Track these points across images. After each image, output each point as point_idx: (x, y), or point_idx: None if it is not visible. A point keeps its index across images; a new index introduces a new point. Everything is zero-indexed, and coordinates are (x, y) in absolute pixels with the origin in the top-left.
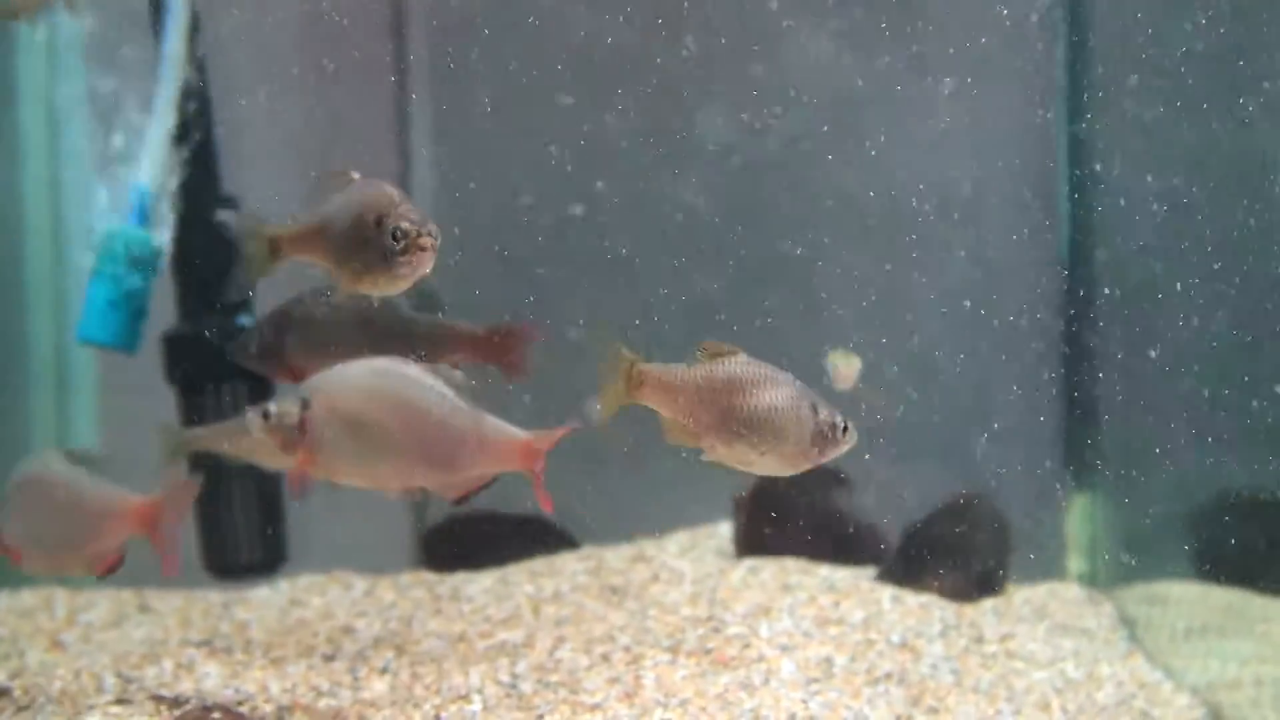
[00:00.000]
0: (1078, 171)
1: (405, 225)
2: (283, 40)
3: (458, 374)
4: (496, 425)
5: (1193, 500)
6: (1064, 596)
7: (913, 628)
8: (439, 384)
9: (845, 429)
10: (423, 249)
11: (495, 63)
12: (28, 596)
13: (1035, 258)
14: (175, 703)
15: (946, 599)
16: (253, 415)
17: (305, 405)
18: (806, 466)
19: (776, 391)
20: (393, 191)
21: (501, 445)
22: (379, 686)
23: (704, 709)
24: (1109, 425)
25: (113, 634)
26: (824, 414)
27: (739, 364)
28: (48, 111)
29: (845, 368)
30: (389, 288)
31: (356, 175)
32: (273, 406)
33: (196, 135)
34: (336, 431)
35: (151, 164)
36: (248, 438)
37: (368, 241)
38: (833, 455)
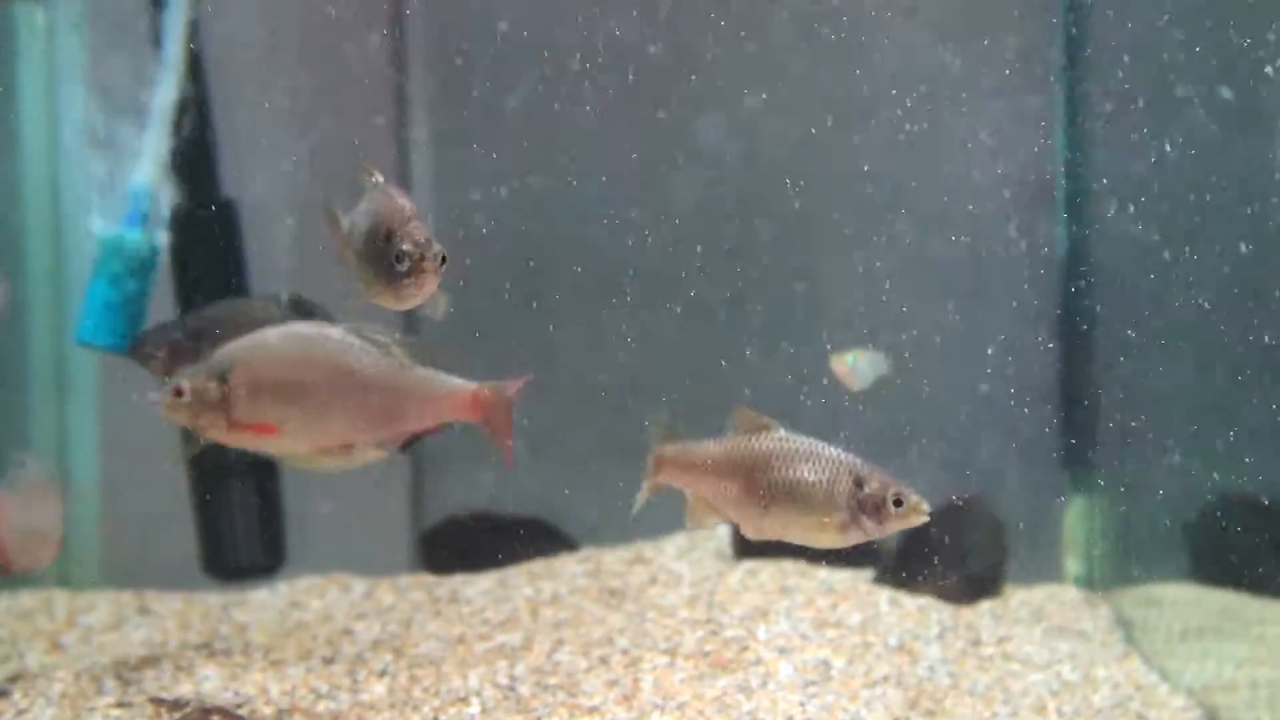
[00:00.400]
0: (1077, 173)
1: (408, 247)
2: (282, 41)
3: (381, 330)
4: (435, 377)
5: (1190, 503)
6: (1061, 599)
7: (910, 630)
8: (363, 343)
9: (899, 502)
10: (424, 272)
11: (496, 61)
12: (27, 599)
13: (1033, 259)
14: (175, 705)
15: (944, 601)
16: (160, 394)
17: (223, 377)
18: (861, 538)
19: (805, 466)
20: (405, 206)
21: (443, 397)
22: (378, 689)
23: (702, 711)
24: (1106, 428)
25: (112, 636)
26: (873, 487)
27: (767, 440)
28: (48, 112)
29: (857, 367)
30: (396, 304)
31: (380, 178)
32: (185, 382)
33: (195, 136)
34: (263, 400)
35: (150, 166)
36: None
37: (378, 256)
38: (893, 528)
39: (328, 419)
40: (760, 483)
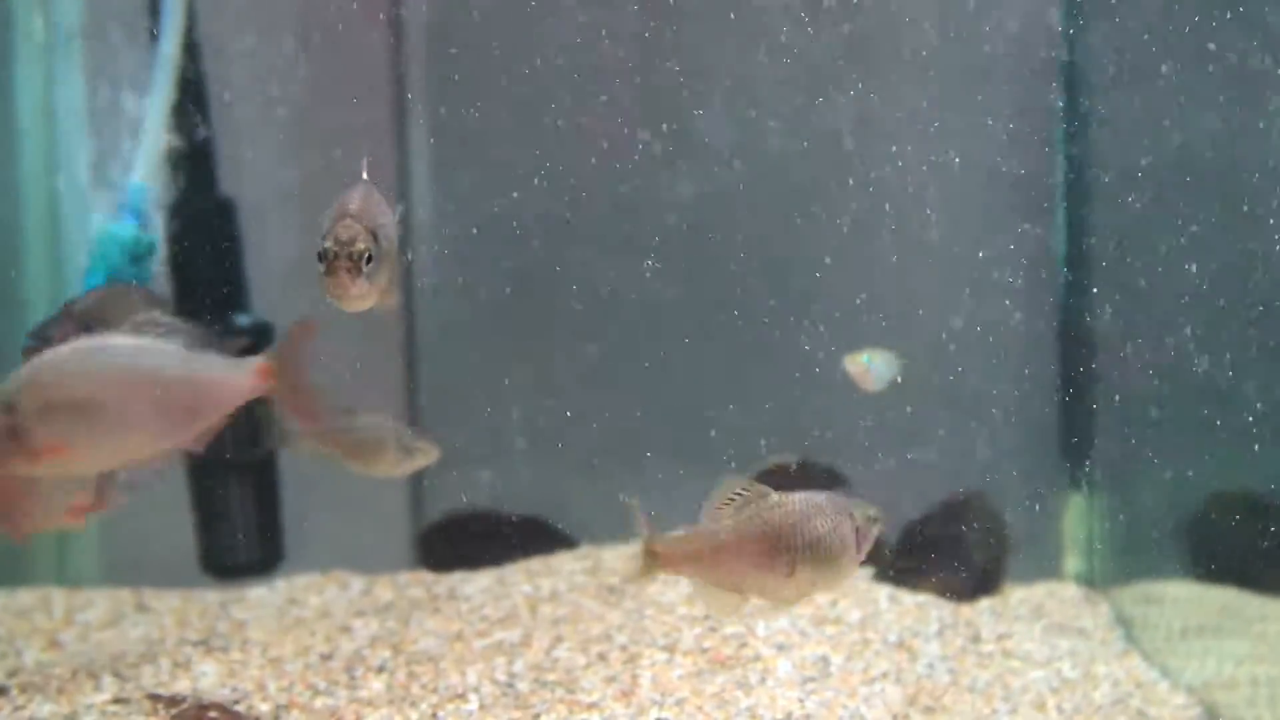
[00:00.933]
0: (1075, 172)
1: (328, 244)
2: (281, 40)
3: (163, 320)
4: (219, 361)
5: (1189, 500)
6: (1061, 596)
7: (909, 627)
8: (152, 343)
9: (874, 519)
10: (337, 272)
11: (497, 60)
12: (25, 596)
13: (1032, 256)
14: (172, 701)
15: (943, 598)
16: None
17: (10, 409)
18: (858, 568)
19: (817, 521)
20: (356, 204)
21: (230, 378)
22: (376, 685)
23: (700, 708)
24: (1106, 424)
25: (110, 633)
26: (858, 518)
27: (776, 508)
28: (45, 110)
29: (872, 367)
30: (338, 303)
31: (364, 174)
32: None
33: (193, 134)
34: (57, 422)
35: (147, 163)
36: (351, 440)
37: None
38: (868, 546)
39: (127, 428)
40: (782, 550)
